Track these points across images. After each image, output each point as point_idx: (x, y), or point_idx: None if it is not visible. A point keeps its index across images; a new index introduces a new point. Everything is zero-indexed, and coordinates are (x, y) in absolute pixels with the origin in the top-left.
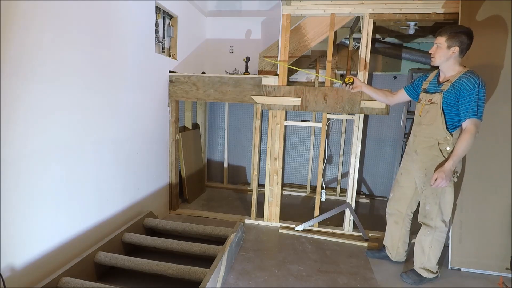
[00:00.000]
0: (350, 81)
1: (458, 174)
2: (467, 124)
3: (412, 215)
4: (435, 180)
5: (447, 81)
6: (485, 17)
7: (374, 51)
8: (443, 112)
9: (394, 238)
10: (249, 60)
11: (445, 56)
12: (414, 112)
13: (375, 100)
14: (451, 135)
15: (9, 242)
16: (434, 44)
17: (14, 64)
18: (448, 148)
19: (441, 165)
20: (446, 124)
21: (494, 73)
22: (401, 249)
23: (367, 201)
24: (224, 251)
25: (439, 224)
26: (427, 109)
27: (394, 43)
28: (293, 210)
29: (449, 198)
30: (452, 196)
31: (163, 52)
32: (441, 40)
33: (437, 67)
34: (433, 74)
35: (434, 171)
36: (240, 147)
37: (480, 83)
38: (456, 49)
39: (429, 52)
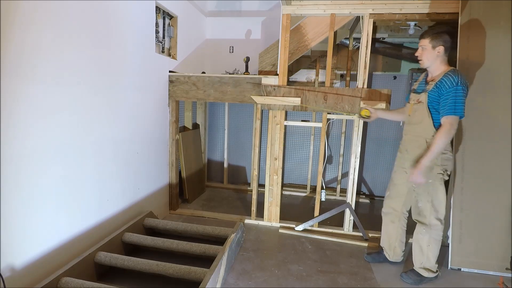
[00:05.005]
0: (367, 114)
1: (448, 172)
2: (443, 120)
3: (408, 214)
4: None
5: (432, 80)
6: (485, 17)
7: (374, 51)
8: (430, 111)
9: (391, 238)
10: (249, 60)
11: (432, 57)
12: None
13: (375, 101)
14: None
15: (9, 242)
16: (419, 47)
17: (14, 64)
18: None
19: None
20: (433, 123)
21: (494, 73)
22: (398, 249)
23: (367, 201)
24: (224, 251)
25: (434, 222)
26: (415, 109)
27: (394, 43)
28: (293, 210)
29: (441, 196)
30: (444, 194)
31: (163, 52)
32: (425, 42)
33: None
34: (423, 75)
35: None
36: (240, 147)
37: (459, 81)
38: (441, 48)
39: (415, 55)
